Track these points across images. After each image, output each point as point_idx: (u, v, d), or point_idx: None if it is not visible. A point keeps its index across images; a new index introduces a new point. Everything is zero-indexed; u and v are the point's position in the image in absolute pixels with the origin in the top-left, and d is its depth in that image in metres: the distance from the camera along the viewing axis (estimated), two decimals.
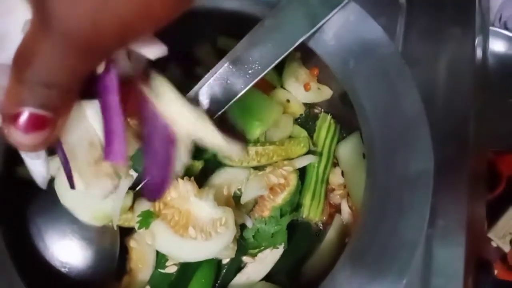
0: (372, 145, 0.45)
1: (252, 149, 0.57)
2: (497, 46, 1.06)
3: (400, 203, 0.41)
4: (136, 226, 0.50)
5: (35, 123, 0.25)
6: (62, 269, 0.48)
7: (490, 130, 0.81)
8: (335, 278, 0.41)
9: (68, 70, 0.25)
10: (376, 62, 0.47)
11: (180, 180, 0.50)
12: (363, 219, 0.43)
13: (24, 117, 0.25)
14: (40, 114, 0.25)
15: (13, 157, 0.52)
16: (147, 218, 0.50)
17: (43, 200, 0.50)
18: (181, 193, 0.50)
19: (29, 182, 0.53)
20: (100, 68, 0.31)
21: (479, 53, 0.73)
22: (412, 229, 0.40)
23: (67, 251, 0.49)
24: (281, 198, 0.56)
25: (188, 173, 0.54)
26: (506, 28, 1.07)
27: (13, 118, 0.25)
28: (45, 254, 0.48)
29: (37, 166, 0.38)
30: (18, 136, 0.25)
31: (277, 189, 0.56)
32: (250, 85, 0.49)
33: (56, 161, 0.52)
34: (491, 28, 1.04)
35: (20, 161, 0.54)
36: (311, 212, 0.59)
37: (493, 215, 0.93)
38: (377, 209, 0.42)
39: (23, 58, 0.25)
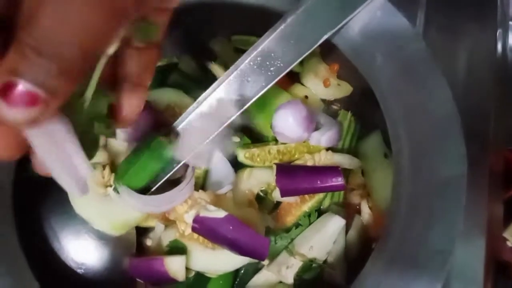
0: (399, 148, 0.43)
1: (273, 148, 0.56)
2: None
3: (430, 210, 0.39)
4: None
5: (25, 99, 0.22)
6: (78, 270, 0.48)
7: (507, 127, 0.79)
8: (363, 283, 0.40)
9: (76, 35, 0.21)
10: (405, 59, 0.45)
11: (195, 192, 0.49)
12: (390, 226, 0.41)
13: (14, 89, 0.21)
14: (33, 91, 0.22)
15: (27, 155, 0.51)
16: (176, 247, 0.49)
17: (57, 199, 0.48)
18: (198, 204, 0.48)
19: (43, 181, 0.53)
20: (111, 49, 0.28)
21: (499, 48, 0.71)
22: (443, 238, 0.38)
23: (82, 252, 0.48)
24: (307, 206, 0.54)
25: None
26: None
27: (3, 86, 0.21)
28: (60, 255, 0.48)
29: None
30: (2, 107, 0.22)
31: (307, 196, 0.55)
32: (272, 83, 0.47)
33: None
34: (510, 22, 1.02)
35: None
36: None
37: (509, 214, 0.91)
38: (404, 216, 0.40)
39: (25, 18, 0.21)
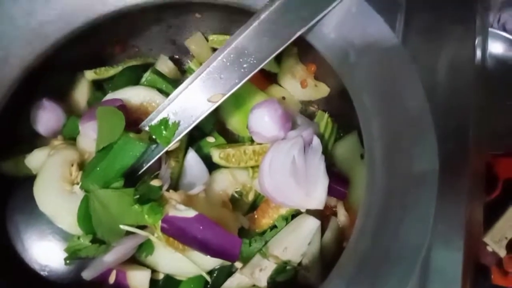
0: (373, 144, 0.43)
1: (249, 148, 0.55)
2: (495, 47, 1.05)
3: (403, 205, 0.39)
4: (138, 256, 0.48)
5: None
6: (41, 272, 0.46)
7: (487, 131, 0.80)
8: (334, 280, 0.39)
9: None
10: (378, 56, 0.45)
11: (165, 192, 0.47)
12: (363, 222, 0.40)
13: None
14: None
15: None
16: (148, 248, 0.48)
17: (23, 198, 0.47)
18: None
19: (10, 179, 0.51)
20: None
21: (478, 53, 0.72)
22: (416, 232, 0.38)
23: (46, 253, 0.46)
24: (285, 210, 0.53)
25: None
26: (504, 30, 1.06)
27: None
28: (24, 256, 0.46)
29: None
30: None
31: None
32: (245, 79, 0.46)
33: (40, 155, 0.50)
34: (490, 29, 1.04)
35: (2, 156, 0.52)
36: None
37: (489, 219, 0.92)
38: (378, 212, 0.40)
39: None
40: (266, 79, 0.63)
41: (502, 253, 0.90)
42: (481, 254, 0.91)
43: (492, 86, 0.97)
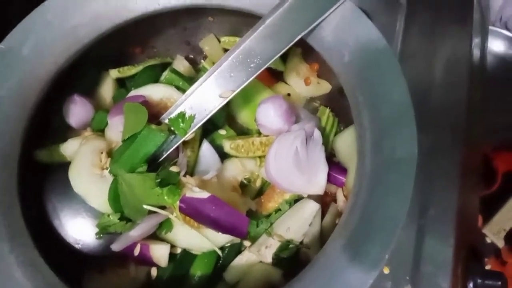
0: (363, 133, 0.48)
1: (257, 140, 0.61)
2: (497, 45, 1.08)
3: (386, 185, 0.45)
4: (158, 232, 0.54)
5: None
6: (76, 245, 0.53)
7: (487, 125, 0.84)
8: (328, 250, 0.45)
9: None
10: (369, 56, 0.50)
11: (182, 178, 0.53)
12: (353, 199, 0.46)
13: None
14: None
15: (32, 142, 0.56)
16: (168, 225, 0.54)
17: (59, 181, 0.54)
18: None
19: (47, 165, 0.58)
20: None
21: (476, 51, 0.76)
22: (396, 207, 0.44)
23: (80, 229, 0.53)
24: (289, 195, 0.59)
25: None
26: (506, 28, 1.08)
27: None
28: (60, 231, 0.52)
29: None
30: None
31: None
32: (252, 77, 0.52)
33: (73, 144, 0.56)
34: (491, 28, 1.07)
35: (38, 145, 0.58)
36: None
37: (489, 211, 0.95)
38: (366, 190, 0.45)
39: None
40: (273, 77, 0.69)
41: (500, 244, 0.94)
42: (478, 243, 0.95)
43: (493, 83, 1.01)
